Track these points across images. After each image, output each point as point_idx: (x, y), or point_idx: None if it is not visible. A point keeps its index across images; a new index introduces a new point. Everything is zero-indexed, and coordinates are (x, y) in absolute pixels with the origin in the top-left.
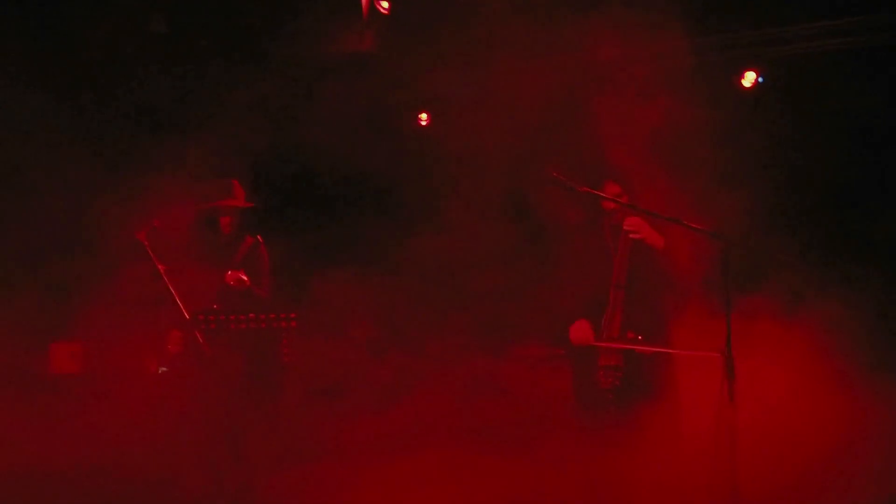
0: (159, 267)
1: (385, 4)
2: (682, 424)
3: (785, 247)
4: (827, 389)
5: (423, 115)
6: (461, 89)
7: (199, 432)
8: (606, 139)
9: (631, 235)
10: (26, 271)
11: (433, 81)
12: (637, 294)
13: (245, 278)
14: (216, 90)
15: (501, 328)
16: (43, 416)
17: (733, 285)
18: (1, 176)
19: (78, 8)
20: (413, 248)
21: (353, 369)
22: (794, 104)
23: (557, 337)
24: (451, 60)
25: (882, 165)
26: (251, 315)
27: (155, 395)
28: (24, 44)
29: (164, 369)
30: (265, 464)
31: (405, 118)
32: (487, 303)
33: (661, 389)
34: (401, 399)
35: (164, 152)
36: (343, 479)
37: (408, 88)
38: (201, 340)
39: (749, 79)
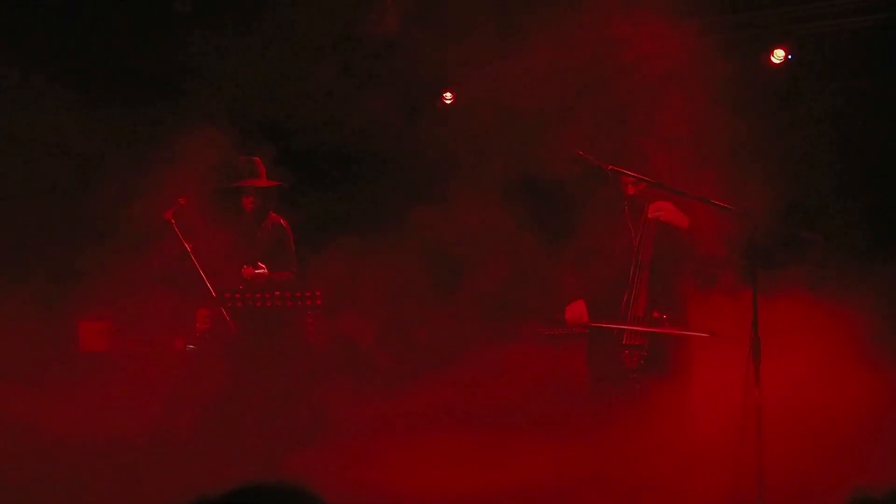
0: (186, 245)
1: None
2: (706, 404)
3: (813, 226)
4: (853, 369)
5: (448, 94)
6: (484, 68)
7: (225, 409)
8: (632, 119)
9: (663, 218)
10: (55, 249)
11: (456, 60)
12: (661, 274)
13: (261, 271)
14: (237, 67)
15: (519, 307)
16: (72, 394)
17: (760, 264)
18: (31, 154)
19: None
20: (430, 226)
21: (370, 347)
22: (824, 81)
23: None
24: (474, 40)
25: None
26: (276, 293)
27: (182, 372)
28: (38, 25)
29: (192, 347)
30: (289, 440)
31: (428, 96)
32: (505, 282)
33: (686, 369)
34: (418, 378)
35: (188, 130)
36: (365, 457)
37: (431, 67)
38: (227, 318)
39: (778, 56)
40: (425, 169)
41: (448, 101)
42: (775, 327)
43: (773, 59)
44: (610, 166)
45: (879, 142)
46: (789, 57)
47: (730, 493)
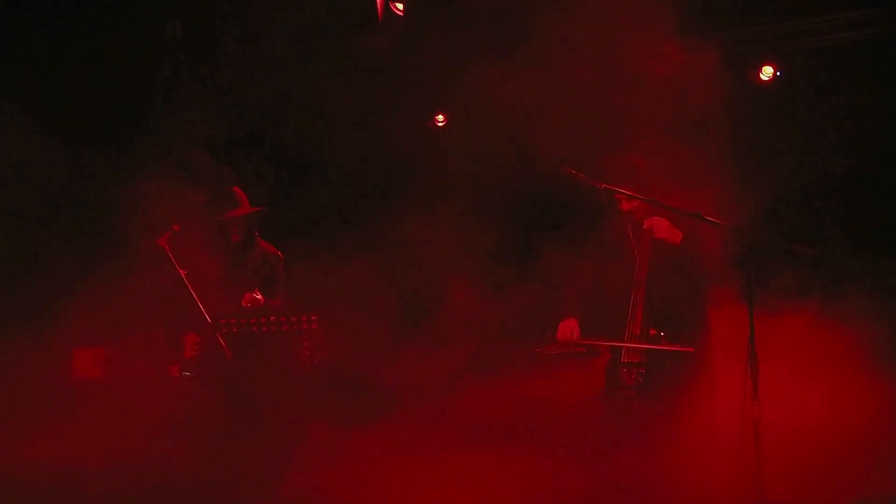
0: (180, 272)
1: (400, 6)
2: (706, 420)
3: (805, 240)
4: (851, 381)
5: (440, 117)
6: (475, 89)
7: (220, 435)
8: (624, 136)
9: (656, 235)
10: (49, 277)
11: (449, 81)
12: (657, 290)
13: (260, 297)
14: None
15: (521, 325)
16: (67, 421)
17: (754, 279)
18: (25, 183)
19: (93, 16)
20: (427, 241)
21: (370, 368)
22: (812, 97)
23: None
24: (465, 60)
25: None
26: (272, 318)
27: (177, 398)
28: (34, 53)
29: (188, 374)
30: (286, 466)
31: (419, 118)
32: (505, 300)
33: (685, 386)
34: (420, 398)
35: (181, 158)
36: (363, 481)
37: (423, 88)
38: (223, 344)
39: (766, 73)
40: (415, 188)
41: (440, 124)
42: (772, 341)
43: (761, 75)
44: (602, 184)
45: (869, 156)
46: (778, 73)
47: None
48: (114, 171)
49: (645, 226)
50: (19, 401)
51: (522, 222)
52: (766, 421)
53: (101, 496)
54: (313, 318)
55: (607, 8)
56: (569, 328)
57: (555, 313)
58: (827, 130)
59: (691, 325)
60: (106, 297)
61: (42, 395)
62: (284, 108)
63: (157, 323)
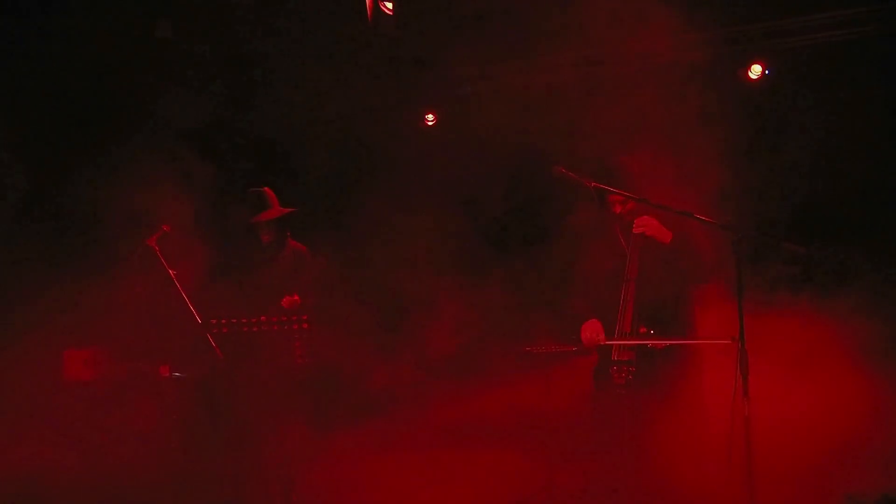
0: (170, 272)
1: (389, 5)
2: (697, 418)
3: (796, 238)
4: (839, 380)
5: (430, 116)
6: (464, 88)
7: (214, 436)
8: (614, 135)
9: (646, 234)
10: (39, 279)
11: (439, 79)
12: (647, 288)
13: (297, 298)
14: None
15: (512, 326)
16: (57, 424)
17: (744, 277)
18: (13, 182)
19: (80, 14)
20: (423, 243)
21: (360, 367)
22: (801, 95)
23: (569, 334)
24: (456, 59)
25: (891, 156)
26: (263, 318)
27: (169, 400)
28: (24, 49)
29: (178, 375)
30: (280, 466)
31: (409, 117)
32: (497, 301)
33: (675, 383)
34: (410, 398)
35: (171, 159)
36: (352, 481)
37: (413, 87)
38: (213, 345)
39: (755, 71)
40: (402, 186)
41: (430, 123)
42: (762, 338)
43: (750, 74)
44: (593, 183)
45: (859, 154)
46: (767, 72)
47: None
48: (100, 169)
49: (635, 225)
50: (9, 403)
51: (512, 220)
52: (756, 418)
53: (93, 497)
54: (304, 317)
55: (596, 8)
56: (594, 329)
57: (553, 313)
58: (817, 128)
59: (681, 322)
60: (96, 298)
61: (32, 397)
62: (268, 104)
63: (147, 324)
